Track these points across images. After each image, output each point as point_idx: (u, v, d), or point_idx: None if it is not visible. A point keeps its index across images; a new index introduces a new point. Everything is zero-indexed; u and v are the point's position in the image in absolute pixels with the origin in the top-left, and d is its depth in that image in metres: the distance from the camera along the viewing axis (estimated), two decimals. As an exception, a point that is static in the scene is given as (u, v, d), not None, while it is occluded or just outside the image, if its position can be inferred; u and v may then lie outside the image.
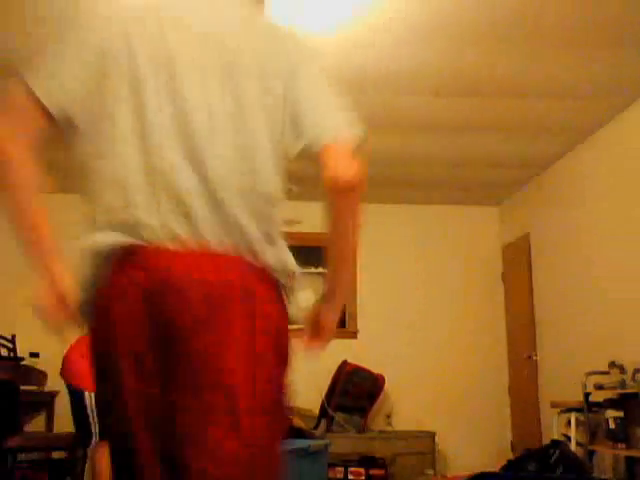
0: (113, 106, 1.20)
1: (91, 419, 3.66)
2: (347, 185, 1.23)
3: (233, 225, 1.19)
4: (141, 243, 1.17)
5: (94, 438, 3.67)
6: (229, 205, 1.19)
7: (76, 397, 3.71)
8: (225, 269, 1.18)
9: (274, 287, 1.24)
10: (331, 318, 1.39)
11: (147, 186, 1.18)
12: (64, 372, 3.82)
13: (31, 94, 1.17)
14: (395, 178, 5.81)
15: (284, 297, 1.27)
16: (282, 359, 1.23)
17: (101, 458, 3.64)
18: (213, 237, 1.18)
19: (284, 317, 1.26)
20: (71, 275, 1.26)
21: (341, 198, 1.27)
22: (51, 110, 1.18)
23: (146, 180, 1.18)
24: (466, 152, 5.17)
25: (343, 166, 1.22)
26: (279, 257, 1.25)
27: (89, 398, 3.66)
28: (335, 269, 1.37)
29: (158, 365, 1.15)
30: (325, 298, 1.38)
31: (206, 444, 1.13)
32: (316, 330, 1.39)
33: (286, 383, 1.26)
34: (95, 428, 3.64)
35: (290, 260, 1.28)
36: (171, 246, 1.17)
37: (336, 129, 1.26)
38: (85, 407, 3.67)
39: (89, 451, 4.52)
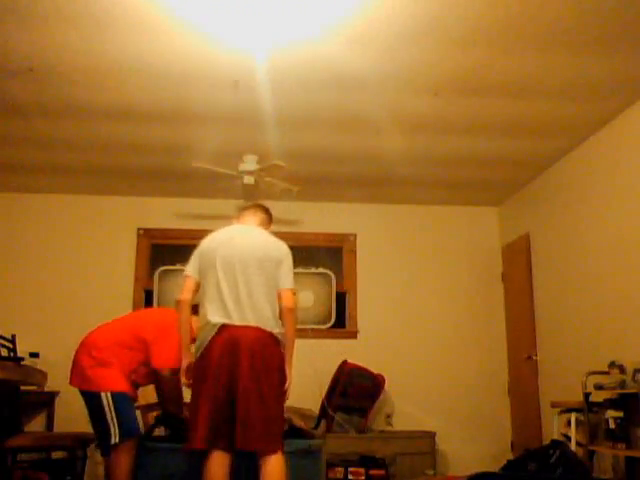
0: (207, 277, 3.25)
1: (109, 419, 3.48)
2: (292, 308, 3.26)
3: (261, 318, 3.17)
4: (226, 322, 3.14)
5: (113, 439, 3.47)
6: (261, 310, 3.17)
7: (92, 400, 3.55)
8: (256, 333, 3.12)
9: (277, 341, 3.19)
10: (289, 369, 3.25)
11: (225, 307, 3.17)
12: (76, 379, 3.65)
13: (190, 277, 3.34)
14: (395, 178, 5.81)
15: (281, 345, 3.21)
16: (280, 372, 3.17)
17: (122, 460, 3.48)
18: (253, 322, 3.14)
19: (280, 353, 3.21)
20: (190, 356, 3.32)
21: (288, 313, 3.23)
22: (196, 279, 3.32)
23: (222, 304, 3.18)
24: (466, 152, 5.17)
25: (290, 300, 3.26)
26: (279, 330, 3.20)
27: (106, 398, 3.50)
28: (287, 345, 3.24)
29: (229, 366, 3.06)
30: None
31: (248, 407, 3.01)
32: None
33: (280, 383, 3.17)
34: (114, 429, 3.47)
35: (282, 330, 3.22)
36: (237, 324, 3.13)
37: (288, 286, 3.29)
38: (102, 407, 3.49)
39: (88, 450, 4.50)
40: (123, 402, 3.54)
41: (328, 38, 3.56)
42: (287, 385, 3.22)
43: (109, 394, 3.53)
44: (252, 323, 3.13)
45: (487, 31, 3.49)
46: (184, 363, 3.34)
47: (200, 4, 3.26)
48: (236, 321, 3.12)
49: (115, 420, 3.49)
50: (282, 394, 3.18)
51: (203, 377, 3.09)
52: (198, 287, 3.32)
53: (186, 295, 3.32)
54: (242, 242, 3.29)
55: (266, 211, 3.58)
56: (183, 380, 3.37)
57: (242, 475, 3.17)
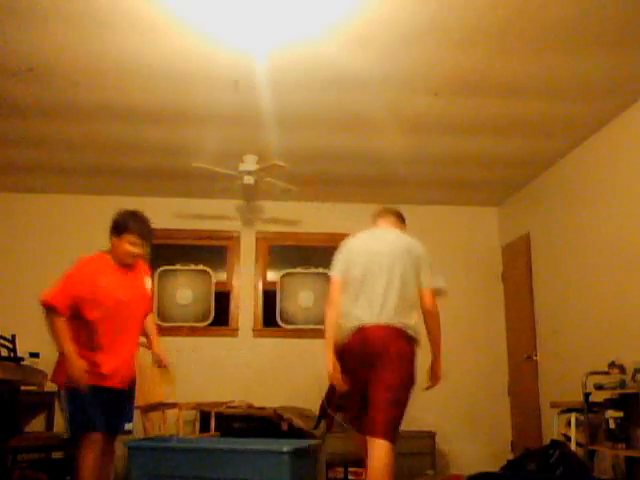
0: (348, 279, 3.30)
1: (63, 415, 3.39)
2: (433, 311, 3.27)
3: (392, 318, 3.16)
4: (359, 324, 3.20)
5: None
6: (391, 311, 3.17)
7: (59, 395, 3.47)
8: (388, 330, 3.15)
9: (408, 337, 3.18)
10: (438, 367, 3.38)
11: (361, 308, 3.23)
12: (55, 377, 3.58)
13: (337, 277, 3.37)
14: (395, 178, 5.81)
15: (413, 342, 3.22)
16: (410, 365, 3.18)
17: (80, 457, 3.28)
18: (385, 321, 3.16)
19: (412, 351, 3.21)
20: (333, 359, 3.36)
21: (431, 316, 3.27)
22: (341, 279, 3.35)
23: (361, 306, 3.24)
24: (466, 152, 5.18)
25: (431, 303, 3.27)
26: (414, 328, 3.20)
27: (61, 393, 3.41)
28: (433, 346, 3.31)
29: (364, 363, 3.18)
30: (433, 358, 3.36)
31: (380, 394, 3.12)
32: (434, 375, 3.43)
33: (412, 375, 3.19)
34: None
35: (417, 329, 3.22)
36: (369, 325, 3.18)
37: (431, 284, 3.28)
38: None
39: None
40: (72, 396, 3.33)
41: (328, 38, 3.56)
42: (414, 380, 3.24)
43: (62, 390, 3.40)
44: (386, 322, 3.17)
45: (487, 31, 3.49)
46: (332, 354, 3.37)
47: (200, 4, 3.26)
48: (371, 321, 3.18)
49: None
50: (410, 385, 3.22)
51: (347, 369, 3.28)
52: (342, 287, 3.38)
53: (336, 296, 3.35)
54: (382, 244, 3.36)
55: (396, 214, 3.65)
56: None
57: None
